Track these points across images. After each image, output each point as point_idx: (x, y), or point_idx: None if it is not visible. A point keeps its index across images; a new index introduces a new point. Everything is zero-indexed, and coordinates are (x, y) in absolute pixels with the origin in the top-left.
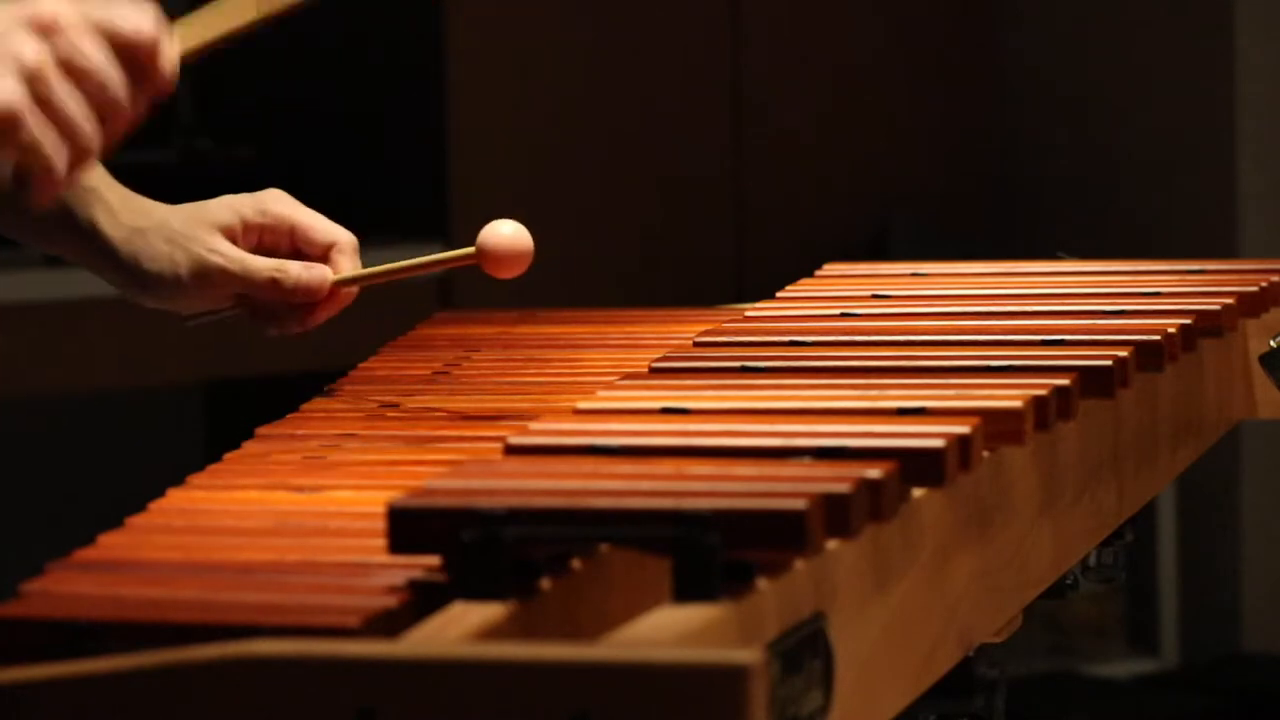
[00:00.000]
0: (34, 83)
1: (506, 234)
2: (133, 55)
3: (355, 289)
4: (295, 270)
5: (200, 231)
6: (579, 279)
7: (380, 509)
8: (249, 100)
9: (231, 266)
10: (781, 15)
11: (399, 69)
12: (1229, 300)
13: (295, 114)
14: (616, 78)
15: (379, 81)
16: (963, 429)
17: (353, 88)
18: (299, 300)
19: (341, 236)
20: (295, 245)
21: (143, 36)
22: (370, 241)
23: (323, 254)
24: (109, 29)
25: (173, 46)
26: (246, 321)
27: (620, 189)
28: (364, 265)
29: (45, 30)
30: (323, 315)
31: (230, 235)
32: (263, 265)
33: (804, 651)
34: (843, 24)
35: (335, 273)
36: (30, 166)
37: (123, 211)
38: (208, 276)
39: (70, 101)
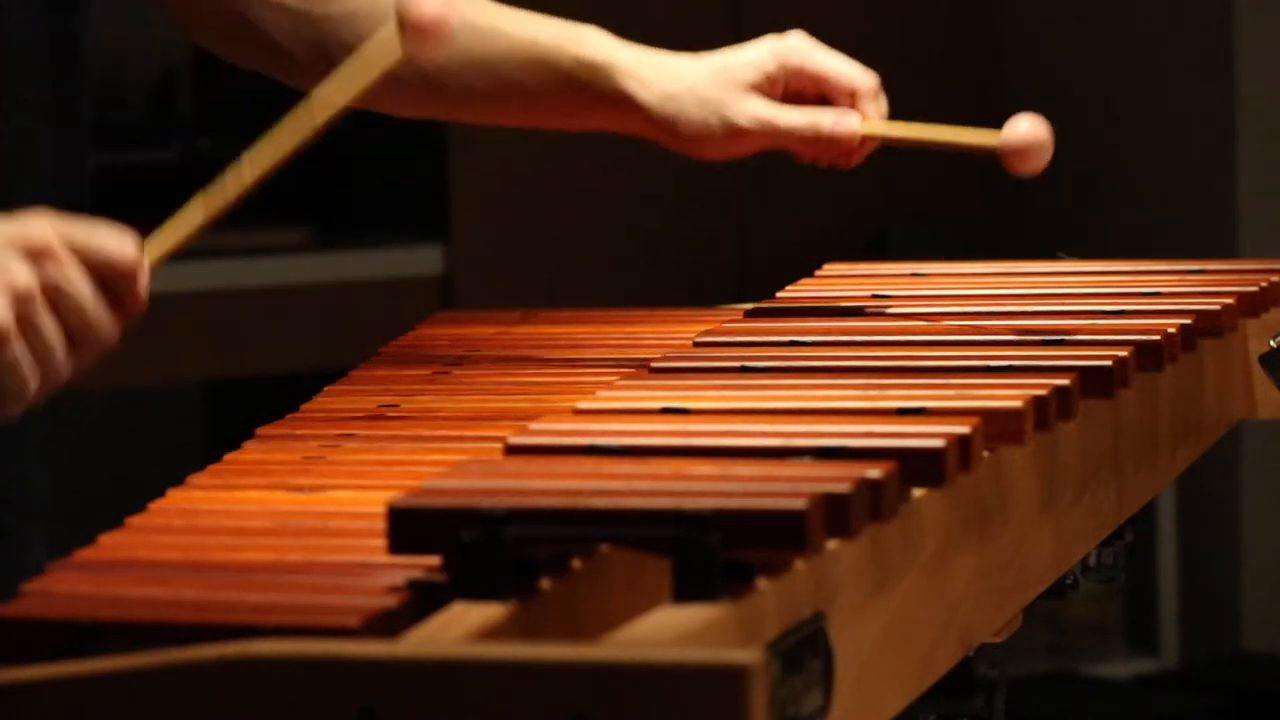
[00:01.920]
0: (22, 307)
1: (1024, 129)
2: (114, 281)
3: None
4: (826, 125)
5: (732, 93)
6: (579, 279)
7: (380, 509)
8: (249, 100)
9: (764, 127)
10: (781, 15)
11: None
12: (1229, 300)
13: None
14: None
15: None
16: (963, 429)
17: None
18: (832, 152)
19: (860, 82)
20: (820, 91)
21: (125, 264)
22: (370, 241)
23: (848, 100)
24: (94, 256)
25: (146, 271)
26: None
27: (620, 189)
28: None
29: (36, 255)
30: (855, 161)
31: (760, 91)
32: (794, 123)
33: (804, 651)
34: (842, 24)
35: (864, 119)
36: (3, 386)
37: (655, 80)
38: (742, 135)
39: (51, 328)
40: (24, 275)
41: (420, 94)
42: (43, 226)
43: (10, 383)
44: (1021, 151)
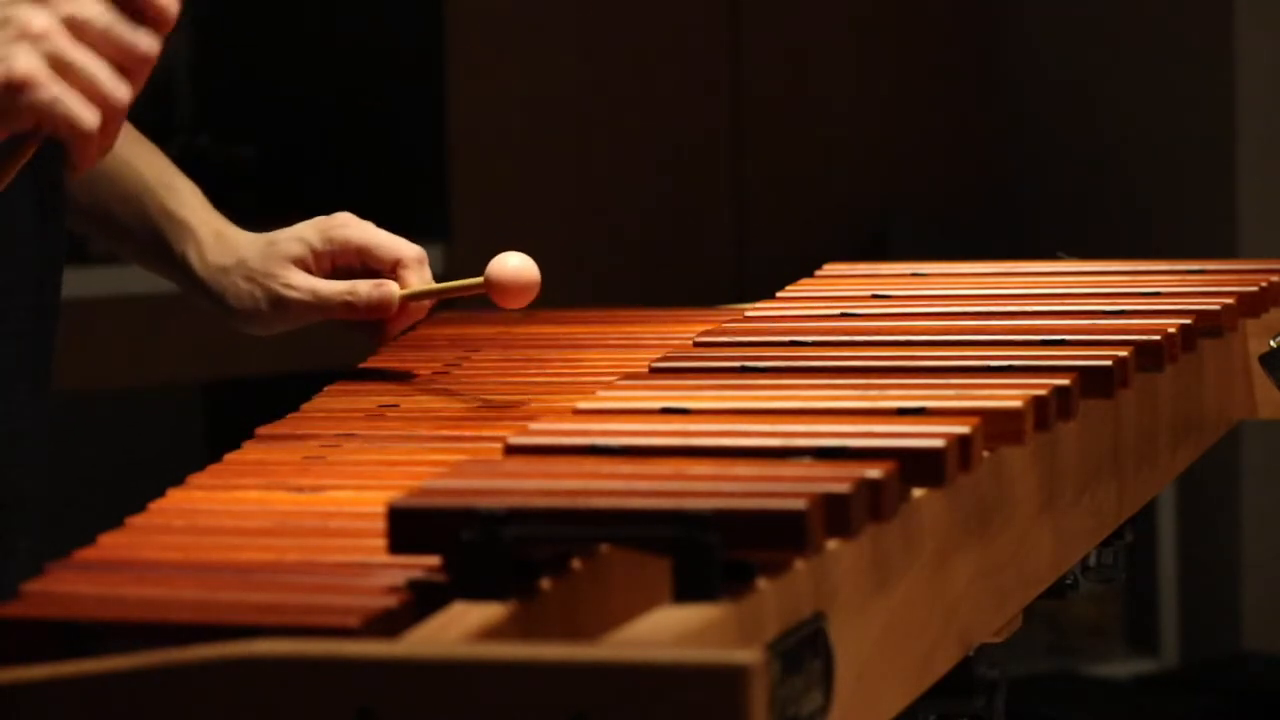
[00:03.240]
0: (45, 46)
1: (513, 266)
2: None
3: (429, 302)
4: (364, 291)
5: (274, 267)
6: (579, 279)
7: (380, 509)
8: (249, 100)
9: (305, 298)
10: (781, 15)
11: (400, 69)
12: (1229, 300)
13: (295, 114)
14: (617, 78)
15: (380, 81)
16: (963, 429)
17: (353, 87)
18: (375, 317)
19: (406, 251)
20: (365, 264)
21: None
22: None
23: (392, 270)
24: None
25: None
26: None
27: (620, 189)
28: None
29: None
30: (400, 326)
31: (303, 265)
32: (334, 291)
33: (804, 651)
34: (842, 24)
35: (403, 287)
36: (61, 130)
37: (211, 251)
38: (286, 308)
39: (86, 58)
40: (39, 18)
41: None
42: None
43: (64, 121)
44: (507, 288)
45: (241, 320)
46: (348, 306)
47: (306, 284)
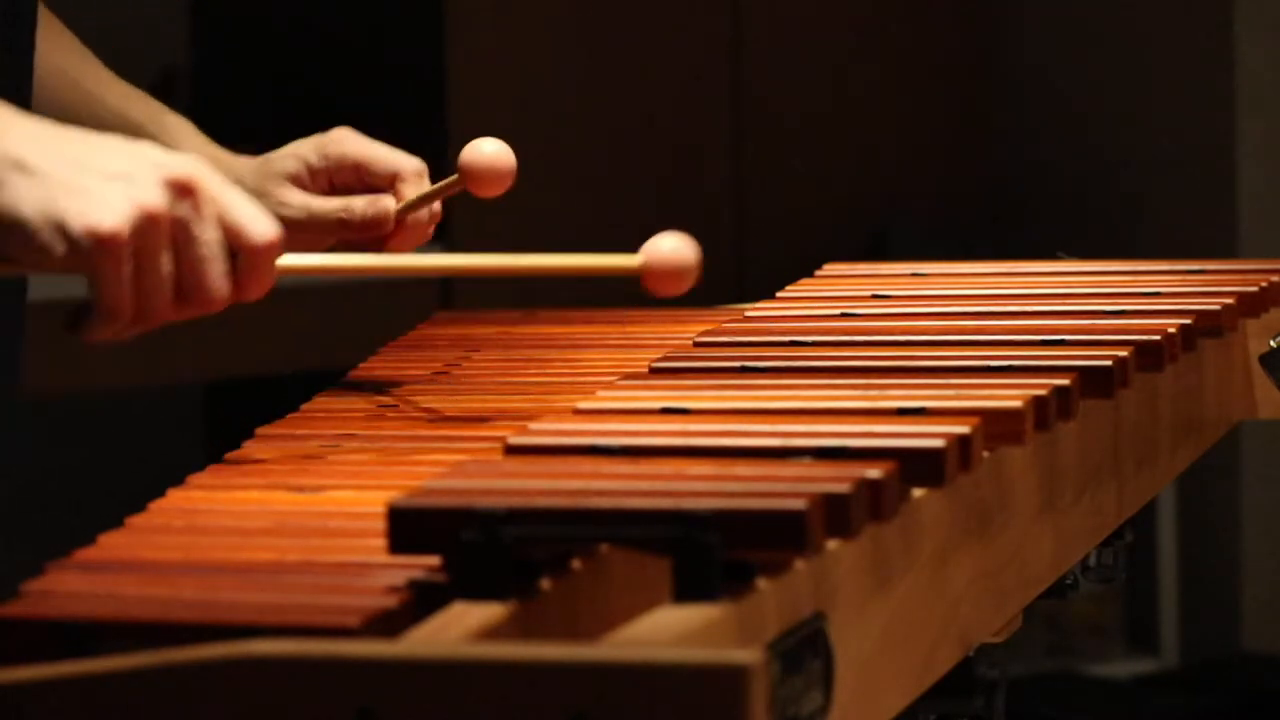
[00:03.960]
0: (145, 226)
1: (489, 151)
2: (243, 254)
3: (430, 226)
4: (359, 207)
5: (269, 184)
6: (579, 279)
7: (380, 509)
8: (249, 99)
9: (300, 216)
10: (781, 15)
11: (399, 69)
12: (1229, 300)
13: (295, 113)
14: (617, 78)
15: (380, 81)
16: (963, 429)
17: (353, 87)
18: (372, 235)
19: (404, 165)
20: (363, 181)
21: (261, 241)
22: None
23: (389, 185)
24: (234, 219)
25: (275, 269)
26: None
27: (620, 189)
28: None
29: (178, 188)
30: (402, 244)
31: (299, 183)
32: (329, 208)
33: (804, 651)
34: (842, 24)
35: (399, 201)
36: (99, 301)
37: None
38: (282, 225)
39: (165, 263)
40: (159, 199)
41: None
42: (197, 167)
43: (106, 297)
44: (483, 176)
45: None
46: (342, 224)
47: (301, 201)
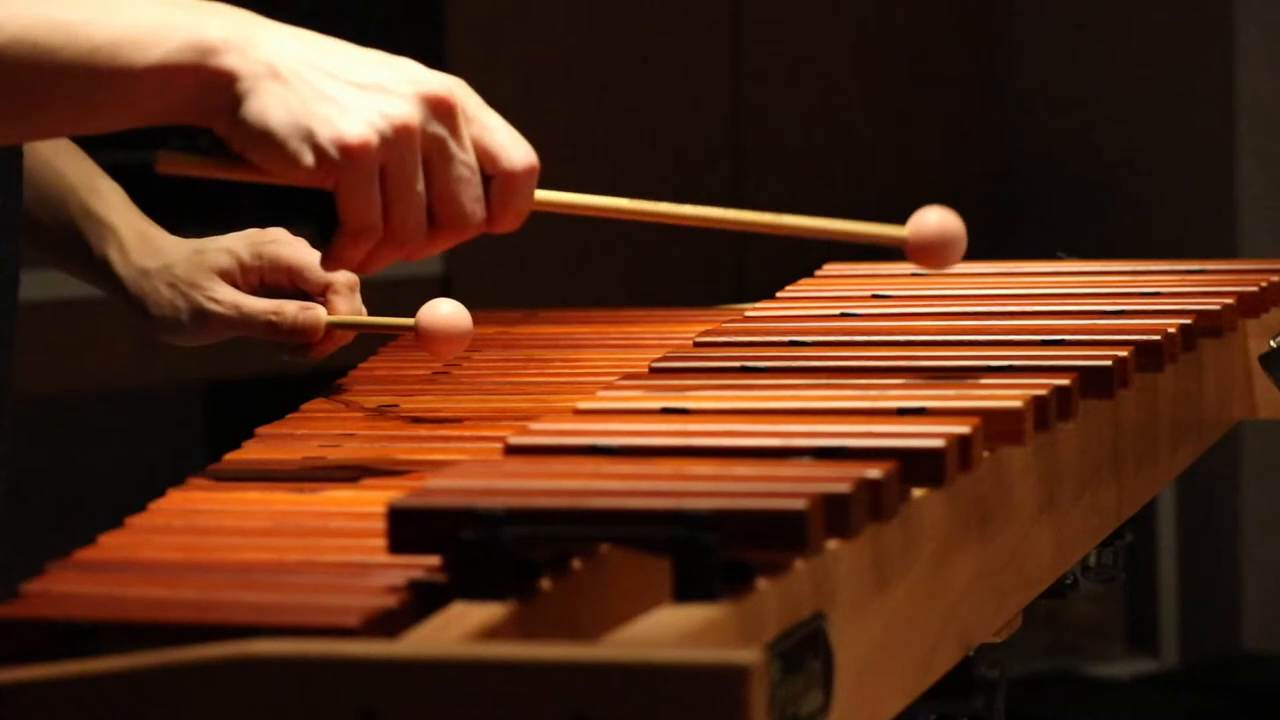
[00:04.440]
0: (400, 140)
1: (445, 313)
2: (498, 179)
3: (352, 332)
4: (290, 313)
5: (200, 277)
6: (579, 279)
7: (380, 509)
8: None
9: (228, 313)
10: (781, 15)
11: None
12: (1229, 300)
13: None
14: (616, 78)
15: None
16: (963, 429)
17: None
18: (300, 341)
19: (338, 276)
20: (294, 284)
21: (519, 172)
22: None
23: (321, 293)
24: (492, 146)
25: (532, 199)
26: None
27: (620, 189)
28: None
29: (434, 105)
30: (324, 351)
31: (229, 278)
32: (259, 310)
33: (804, 651)
34: (843, 24)
35: (331, 313)
36: (345, 219)
37: (134, 251)
38: (207, 321)
39: (419, 182)
40: (414, 114)
41: None
42: (457, 85)
43: (352, 214)
44: (436, 336)
45: (160, 329)
46: (271, 327)
47: (231, 299)
